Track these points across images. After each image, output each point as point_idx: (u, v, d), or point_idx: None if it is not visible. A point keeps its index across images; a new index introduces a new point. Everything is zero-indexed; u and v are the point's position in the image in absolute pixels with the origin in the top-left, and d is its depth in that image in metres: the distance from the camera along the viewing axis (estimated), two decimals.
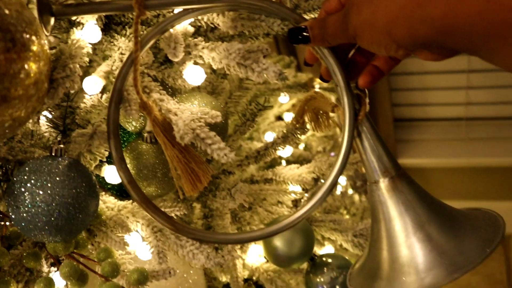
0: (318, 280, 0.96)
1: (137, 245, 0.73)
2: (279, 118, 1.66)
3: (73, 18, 0.70)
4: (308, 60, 0.66)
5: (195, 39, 0.70)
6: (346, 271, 0.96)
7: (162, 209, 0.70)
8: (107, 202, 0.74)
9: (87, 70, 0.73)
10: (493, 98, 2.46)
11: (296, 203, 1.15)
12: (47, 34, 0.63)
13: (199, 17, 0.71)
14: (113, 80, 0.67)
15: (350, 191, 1.53)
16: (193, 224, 0.93)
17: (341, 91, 0.63)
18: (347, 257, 1.01)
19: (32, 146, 0.73)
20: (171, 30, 0.68)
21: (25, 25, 0.54)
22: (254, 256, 0.98)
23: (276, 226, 0.66)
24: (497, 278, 2.61)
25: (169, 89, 0.78)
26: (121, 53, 0.72)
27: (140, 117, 0.76)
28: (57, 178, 0.62)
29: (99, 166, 0.76)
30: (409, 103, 2.54)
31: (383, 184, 0.63)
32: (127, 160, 0.75)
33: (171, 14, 0.68)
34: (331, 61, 0.62)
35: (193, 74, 0.70)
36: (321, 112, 0.73)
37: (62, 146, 0.65)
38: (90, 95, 0.71)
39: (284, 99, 1.53)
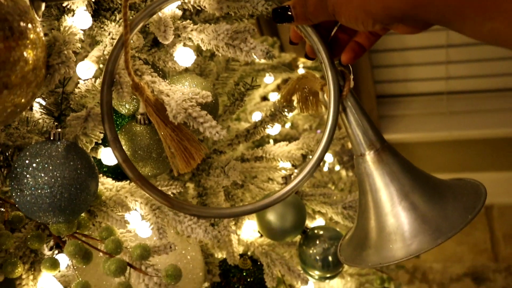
0: (311, 251, 1.00)
1: (137, 223, 0.75)
2: (265, 98, 1.68)
3: (64, 4, 0.71)
4: (293, 39, 0.68)
5: (184, 22, 0.73)
6: (337, 242, 1.00)
7: (159, 188, 0.73)
8: (106, 184, 0.77)
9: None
10: (472, 72, 2.50)
11: (286, 180, 1.18)
12: (39, 19, 0.65)
13: (186, 0, 0.73)
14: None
15: (337, 167, 1.56)
16: None
17: (325, 67, 0.65)
18: (338, 229, 1.05)
19: (28, 133, 0.75)
20: (160, 13, 0.70)
21: (21, 13, 0.56)
22: (249, 232, 1.01)
23: (267, 200, 0.68)
24: (482, 247, 2.68)
25: (160, 72, 0.80)
26: (112, 38, 0.74)
27: (133, 100, 0.78)
28: (58, 161, 0.64)
29: (95, 149, 0.78)
30: (391, 79, 2.57)
31: (369, 157, 0.65)
32: (122, 142, 0.77)
33: None
34: (315, 39, 0.65)
35: (183, 56, 0.72)
36: (310, 92, 0.75)
37: (60, 130, 0.67)
38: (83, 80, 0.73)
39: (269, 79, 1.55)
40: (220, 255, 1.04)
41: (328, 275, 1.03)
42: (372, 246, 0.65)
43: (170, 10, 0.72)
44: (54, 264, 0.71)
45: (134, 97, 0.75)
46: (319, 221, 1.11)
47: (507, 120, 2.47)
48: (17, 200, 0.64)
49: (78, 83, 0.78)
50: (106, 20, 0.76)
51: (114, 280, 0.84)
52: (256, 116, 1.42)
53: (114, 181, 0.78)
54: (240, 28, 0.68)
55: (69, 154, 0.65)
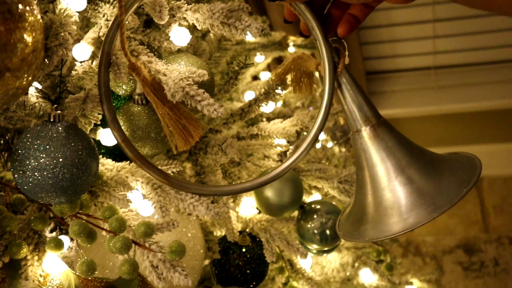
0: (309, 226, 1.01)
1: (138, 202, 0.76)
2: (255, 78, 1.69)
3: None
4: (287, 17, 0.69)
5: (178, 2, 0.73)
6: (334, 216, 1.01)
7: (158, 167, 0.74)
8: (106, 164, 0.77)
9: None
10: (459, 46, 2.52)
11: (281, 157, 1.20)
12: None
13: None
14: None
15: (330, 144, 1.58)
16: None
17: (320, 44, 0.65)
18: (334, 203, 1.06)
19: (27, 116, 0.75)
20: None
21: None
22: (247, 208, 1.02)
23: (266, 177, 0.68)
24: (473, 219, 2.72)
25: (155, 53, 0.81)
26: (107, 20, 0.74)
27: (130, 81, 0.79)
28: (59, 142, 0.64)
29: (94, 131, 0.79)
30: (379, 55, 2.59)
31: (365, 132, 0.66)
32: (120, 123, 0.78)
33: None
34: (308, 16, 0.65)
35: (179, 36, 0.72)
36: (304, 73, 0.76)
37: (59, 112, 0.68)
38: (80, 62, 0.73)
39: (259, 58, 1.55)
40: (219, 232, 1.06)
41: (326, 249, 1.05)
42: (370, 221, 0.65)
43: None
44: (58, 244, 0.72)
45: (131, 78, 0.75)
46: (316, 196, 1.13)
47: (494, 93, 2.50)
48: (19, 181, 0.65)
49: (71, 66, 0.79)
50: (100, 2, 0.76)
51: (117, 259, 0.85)
52: (249, 96, 1.43)
53: (114, 162, 0.79)
54: (234, 7, 0.68)
55: (70, 135, 0.66)
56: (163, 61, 0.70)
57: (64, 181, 0.64)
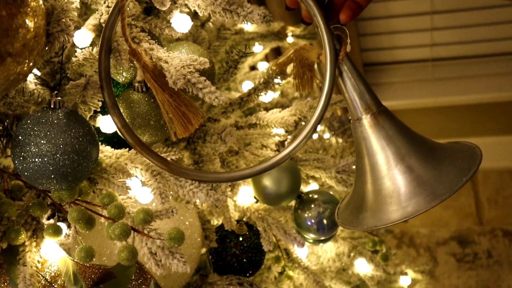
0: (306, 215, 1.02)
1: (137, 189, 0.76)
2: (253, 68, 1.68)
3: None
4: (289, 4, 0.69)
5: None
6: (332, 206, 1.02)
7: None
8: (105, 151, 0.77)
9: None
10: (456, 38, 2.52)
11: (278, 147, 1.20)
12: None
13: None
14: None
15: (327, 135, 1.58)
16: None
17: (321, 31, 0.65)
18: (331, 193, 1.07)
19: (26, 102, 0.75)
20: None
21: None
22: (245, 197, 1.03)
23: (265, 164, 0.68)
24: (467, 211, 2.74)
25: (156, 40, 0.81)
26: (108, 6, 0.74)
27: (130, 68, 0.79)
28: (59, 128, 0.64)
29: (93, 118, 0.79)
30: (377, 47, 2.58)
31: (366, 120, 0.66)
32: (120, 110, 0.78)
33: None
34: (310, 3, 0.65)
35: (180, 22, 0.72)
36: (306, 66, 0.76)
37: (59, 98, 0.67)
38: (80, 49, 0.73)
39: (257, 48, 1.55)
40: (216, 221, 1.06)
41: (322, 238, 1.06)
42: (369, 209, 0.66)
43: None
44: (57, 231, 0.72)
45: (131, 65, 0.75)
46: (313, 186, 1.13)
47: (491, 86, 2.50)
48: (19, 168, 0.65)
49: (69, 52, 0.78)
50: None
51: (115, 246, 0.85)
52: (247, 86, 1.43)
53: (113, 149, 0.79)
54: None
55: (70, 121, 0.66)
56: (164, 48, 0.70)
57: (64, 168, 0.64)
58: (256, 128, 1.05)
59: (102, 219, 0.71)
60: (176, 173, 0.70)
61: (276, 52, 2.03)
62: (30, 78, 0.78)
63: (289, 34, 1.62)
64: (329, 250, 1.25)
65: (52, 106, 0.67)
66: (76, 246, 0.82)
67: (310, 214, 1.01)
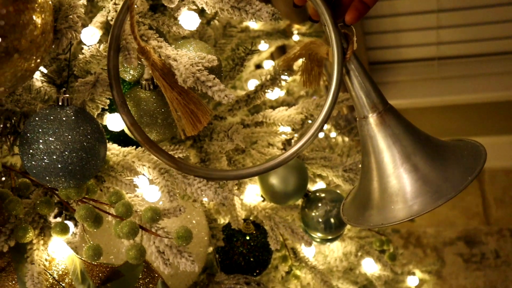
0: (313, 214, 1.01)
1: (145, 187, 0.76)
2: (258, 66, 1.68)
3: None
4: (297, 2, 0.68)
5: None
6: (339, 204, 1.01)
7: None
8: (112, 149, 0.77)
9: None
10: (462, 37, 2.51)
11: (284, 146, 1.19)
12: None
13: None
14: None
15: (333, 134, 1.57)
16: None
17: (329, 29, 0.65)
18: (338, 191, 1.06)
19: (32, 99, 0.75)
20: None
21: None
22: (252, 196, 1.02)
23: (272, 162, 0.68)
24: (474, 211, 2.72)
25: (164, 38, 0.80)
26: (115, 3, 0.73)
27: (138, 66, 0.78)
28: (68, 126, 0.64)
29: (100, 115, 0.78)
30: (383, 46, 2.57)
31: (372, 119, 0.66)
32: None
33: None
34: (318, 1, 0.64)
35: (188, 20, 0.72)
36: (315, 61, 0.75)
37: (68, 95, 0.67)
38: (88, 46, 0.73)
39: (263, 46, 1.54)
40: (223, 220, 1.06)
41: (329, 237, 1.05)
42: (375, 206, 0.66)
43: None
44: (64, 229, 0.72)
45: (139, 63, 0.75)
46: (320, 184, 1.13)
47: (498, 85, 2.49)
48: (28, 165, 0.65)
49: (75, 50, 0.78)
50: None
51: (122, 245, 0.85)
52: (252, 84, 1.42)
53: (120, 146, 0.78)
54: None
55: (79, 119, 0.65)
56: (172, 46, 0.69)
57: (72, 165, 0.64)
58: (262, 126, 1.04)
59: (110, 217, 0.71)
60: (184, 170, 0.69)
61: (282, 51, 2.02)
62: (37, 75, 0.77)
63: (295, 32, 1.62)
64: (336, 250, 1.24)
65: (60, 104, 0.67)
66: (83, 245, 0.82)
67: (317, 213, 1.01)
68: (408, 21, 2.47)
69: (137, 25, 0.70)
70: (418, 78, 2.60)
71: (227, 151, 1.02)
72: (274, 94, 1.24)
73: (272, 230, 0.98)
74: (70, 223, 0.77)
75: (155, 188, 0.76)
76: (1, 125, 0.70)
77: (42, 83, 0.80)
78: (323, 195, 1.03)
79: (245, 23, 1.37)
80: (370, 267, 1.28)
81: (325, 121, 0.67)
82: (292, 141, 1.18)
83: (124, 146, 0.81)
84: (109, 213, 0.70)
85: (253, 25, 1.41)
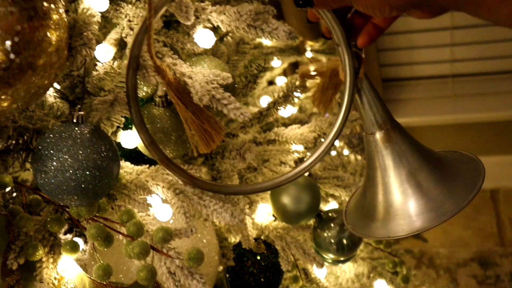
0: (325, 235, 1.00)
1: (157, 206, 0.75)
2: (271, 83, 1.67)
3: None
4: (311, 19, 0.69)
5: (202, 3, 0.72)
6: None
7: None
8: (125, 167, 0.76)
9: None
10: (477, 54, 2.49)
11: (296, 164, 1.18)
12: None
13: None
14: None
15: (346, 152, 1.56)
16: None
17: (342, 49, 0.65)
18: None
19: (45, 116, 0.74)
20: None
21: None
22: (263, 215, 1.01)
23: (285, 177, 0.70)
24: (488, 231, 2.67)
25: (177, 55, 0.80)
26: (129, 20, 0.73)
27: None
28: (82, 143, 0.63)
29: (114, 133, 0.78)
30: (396, 62, 2.56)
31: (379, 136, 0.68)
32: None
33: None
34: (332, 21, 0.65)
35: (203, 37, 0.71)
36: (332, 84, 0.76)
37: (82, 113, 0.66)
38: (102, 63, 0.72)
39: (276, 63, 1.54)
40: (233, 239, 1.04)
41: (341, 259, 1.03)
42: (380, 219, 0.68)
43: None
44: (74, 247, 0.71)
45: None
46: (333, 204, 1.11)
47: None
48: (40, 182, 0.64)
49: (87, 66, 0.77)
50: (122, 2, 0.75)
51: (131, 264, 0.84)
52: (264, 100, 1.42)
53: (133, 165, 0.78)
54: (260, 9, 0.67)
55: (93, 136, 0.65)
56: (187, 63, 0.69)
57: (86, 183, 0.63)
58: (275, 144, 1.03)
59: (120, 236, 0.70)
60: (201, 186, 0.70)
61: (294, 67, 2.02)
62: (50, 91, 0.77)
63: (308, 49, 1.61)
64: (348, 271, 1.22)
65: (74, 121, 0.66)
66: (93, 262, 0.81)
67: (329, 234, 0.99)
68: (422, 38, 2.46)
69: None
70: (432, 95, 2.58)
71: (239, 169, 1.01)
72: (286, 111, 1.23)
73: (284, 251, 0.96)
74: (79, 240, 0.76)
75: (167, 207, 0.75)
76: (14, 141, 0.69)
77: (55, 99, 0.80)
78: (335, 215, 1.01)
79: (258, 40, 1.36)
80: None
81: (336, 137, 0.68)
82: (305, 159, 1.16)
83: (136, 163, 0.81)
84: (120, 232, 0.70)
85: (266, 41, 1.41)
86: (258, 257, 1.00)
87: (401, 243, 1.69)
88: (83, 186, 0.63)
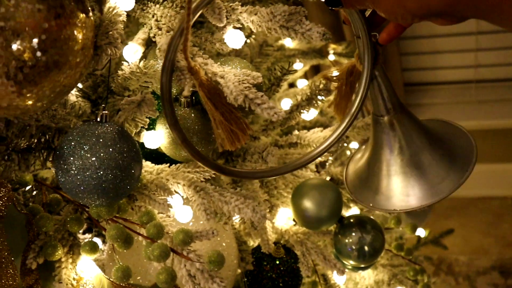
0: (346, 241, 0.98)
1: (177, 207, 0.74)
2: (291, 85, 1.66)
3: None
4: (346, 20, 0.71)
5: (232, 4, 0.71)
6: (374, 232, 0.98)
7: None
8: (145, 167, 0.75)
9: None
10: (502, 60, 2.45)
11: (318, 168, 1.16)
12: None
13: None
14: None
15: None
16: None
17: (362, 40, 0.68)
18: (372, 217, 1.03)
19: (67, 115, 0.74)
20: None
21: None
22: (283, 219, 0.99)
23: (303, 159, 0.72)
24: (509, 239, 2.63)
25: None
26: (157, 20, 0.72)
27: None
28: (105, 142, 0.63)
29: (137, 133, 0.77)
30: (419, 67, 2.53)
31: (387, 119, 0.72)
32: (164, 126, 0.76)
33: None
34: (355, 15, 0.67)
35: (233, 38, 0.70)
36: (348, 87, 0.77)
37: (106, 112, 0.66)
38: (129, 63, 0.72)
39: (298, 65, 1.52)
40: (252, 243, 1.03)
41: (362, 266, 1.01)
42: (384, 193, 0.73)
43: None
44: (93, 248, 0.70)
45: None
46: (354, 210, 1.09)
47: None
48: (62, 180, 0.63)
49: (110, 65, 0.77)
50: (148, 2, 0.74)
51: (150, 265, 0.83)
52: (285, 103, 1.40)
53: (153, 164, 0.77)
54: (293, 10, 0.66)
55: (116, 136, 0.64)
56: (218, 63, 0.68)
57: (106, 183, 0.63)
58: (296, 148, 1.02)
59: (140, 237, 0.69)
60: (231, 174, 0.72)
61: (316, 70, 2.00)
62: (72, 90, 0.77)
63: (331, 52, 1.59)
64: (367, 277, 1.20)
65: (98, 120, 0.66)
66: (111, 263, 0.80)
67: (351, 240, 0.97)
68: (446, 42, 2.43)
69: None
70: (455, 101, 2.55)
71: None
72: (309, 114, 1.22)
73: (304, 256, 0.95)
74: (98, 240, 0.76)
75: (188, 208, 0.74)
76: (36, 140, 0.69)
77: (77, 98, 0.79)
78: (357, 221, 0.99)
79: (280, 41, 1.35)
80: None
81: (352, 121, 0.70)
82: (327, 164, 1.15)
83: (157, 164, 0.80)
84: (139, 234, 0.69)
85: (289, 43, 1.40)
86: (277, 262, 0.99)
87: (420, 250, 1.66)
88: (103, 185, 0.62)
